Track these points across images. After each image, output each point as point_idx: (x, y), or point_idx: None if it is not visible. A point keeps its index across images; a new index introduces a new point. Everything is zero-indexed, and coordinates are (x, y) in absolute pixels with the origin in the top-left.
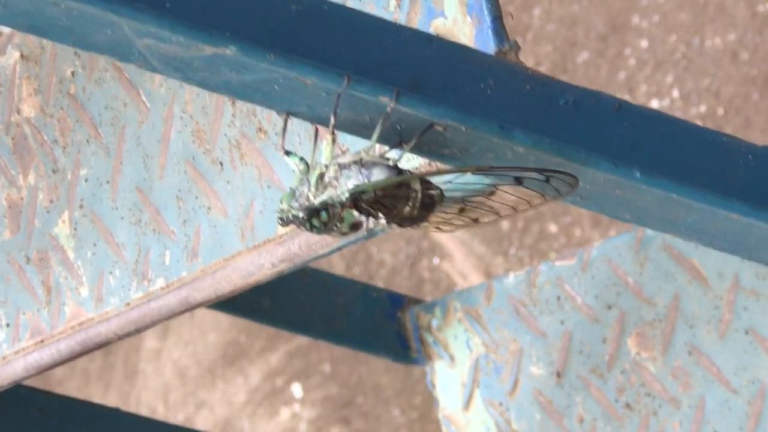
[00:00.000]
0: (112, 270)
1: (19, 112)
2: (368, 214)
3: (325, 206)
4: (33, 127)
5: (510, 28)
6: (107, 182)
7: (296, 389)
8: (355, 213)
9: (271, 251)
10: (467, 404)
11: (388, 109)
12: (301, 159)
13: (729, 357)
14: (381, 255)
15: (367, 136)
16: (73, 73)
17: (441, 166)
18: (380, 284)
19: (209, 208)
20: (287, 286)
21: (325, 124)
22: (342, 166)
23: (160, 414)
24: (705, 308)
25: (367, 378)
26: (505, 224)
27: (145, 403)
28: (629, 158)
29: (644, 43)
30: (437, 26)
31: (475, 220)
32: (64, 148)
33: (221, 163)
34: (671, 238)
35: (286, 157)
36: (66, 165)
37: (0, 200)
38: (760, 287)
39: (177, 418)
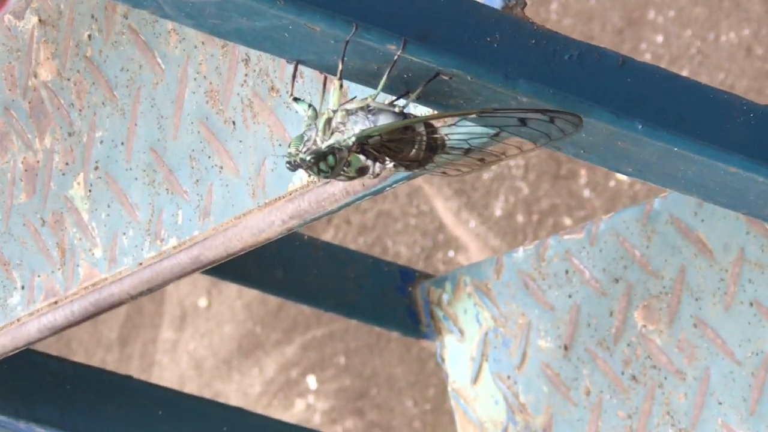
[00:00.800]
0: (126, 231)
1: (36, 76)
2: (375, 159)
3: (332, 150)
4: (50, 90)
5: None
6: (122, 144)
7: (311, 381)
8: (362, 157)
9: (281, 208)
10: (476, 378)
11: (395, 57)
12: (310, 105)
13: (733, 329)
14: (396, 247)
15: (375, 85)
16: (89, 37)
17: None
18: None
19: (221, 168)
20: (299, 258)
21: (334, 72)
22: (349, 112)
23: None
24: (710, 281)
25: (381, 370)
26: (519, 218)
27: None
28: (631, 111)
29: (660, 38)
30: None
31: (481, 161)
32: (80, 110)
33: (234, 123)
34: (678, 211)
35: (294, 104)
36: (82, 127)
37: (17, 164)
38: (765, 260)
39: None
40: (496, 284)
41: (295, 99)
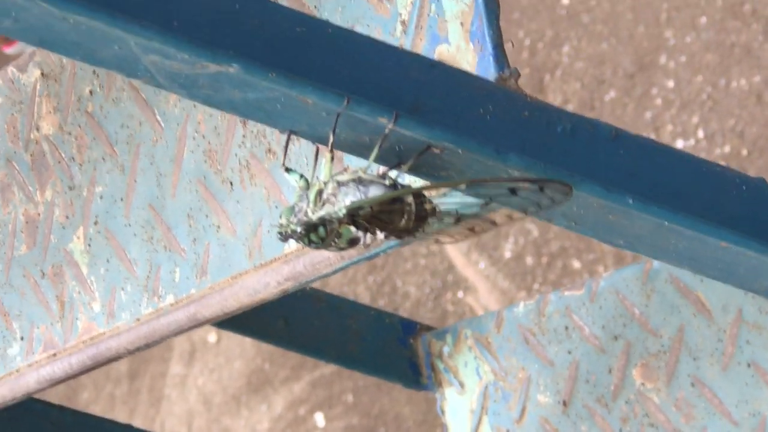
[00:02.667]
0: (124, 286)
1: (38, 129)
2: (365, 230)
3: (323, 222)
4: (51, 144)
5: (539, 65)
6: (121, 199)
7: (319, 418)
8: (353, 229)
9: (277, 270)
10: (476, 431)
11: (386, 131)
12: (301, 176)
13: (731, 389)
14: (406, 287)
15: (367, 156)
16: (91, 92)
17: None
18: (404, 316)
19: (219, 227)
20: (301, 310)
21: (326, 143)
22: (340, 183)
23: None
24: (708, 341)
25: (389, 409)
26: (529, 260)
27: (169, 428)
28: (622, 185)
29: (671, 83)
30: (441, 52)
31: (472, 230)
32: (81, 165)
33: (231, 183)
34: (678, 271)
35: (286, 174)
36: (82, 182)
37: (17, 216)
38: (763, 321)
39: None
40: (496, 338)
41: (287, 169)
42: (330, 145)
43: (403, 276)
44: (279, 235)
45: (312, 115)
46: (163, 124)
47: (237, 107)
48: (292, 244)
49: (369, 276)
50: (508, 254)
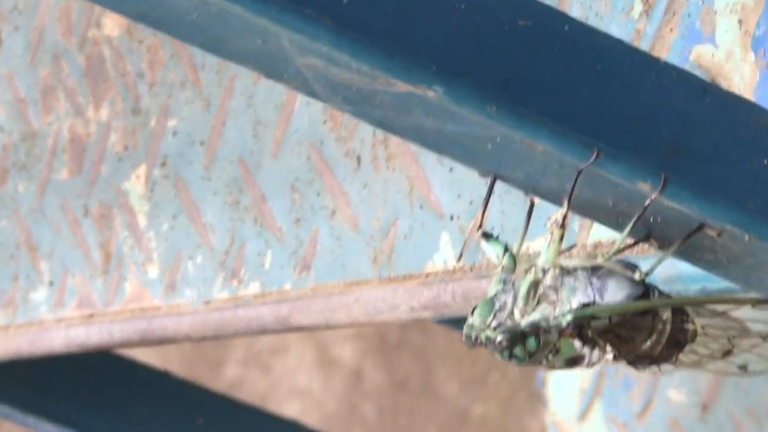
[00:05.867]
0: (193, 255)
1: (99, 26)
2: (593, 345)
3: (536, 331)
4: (114, 50)
5: None
6: (201, 143)
7: None
8: (577, 344)
9: (413, 292)
10: (583, 415)
11: (648, 201)
12: (506, 250)
13: None
14: None
15: (606, 223)
16: None
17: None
18: None
19: (334, 212)
20: None
21: (548, 197)
22: (565, 272)
23: None
24: None
25: None
26: None
27: None
28: None
29: None
30: (700, 55)
31: (743, 368)
32: (152, 86)
33: (359, 159)
34: None
35: (483, 242)
36: (150, 108)
37: (61, 129)
38: None
39: None
40: None
41: (486, 234)
42: (563, 218)
43: None
44: (466, 339)
45: (537, 164)
46: None
47: (425, 137)
48: (438, 261)
49: None
50: None
